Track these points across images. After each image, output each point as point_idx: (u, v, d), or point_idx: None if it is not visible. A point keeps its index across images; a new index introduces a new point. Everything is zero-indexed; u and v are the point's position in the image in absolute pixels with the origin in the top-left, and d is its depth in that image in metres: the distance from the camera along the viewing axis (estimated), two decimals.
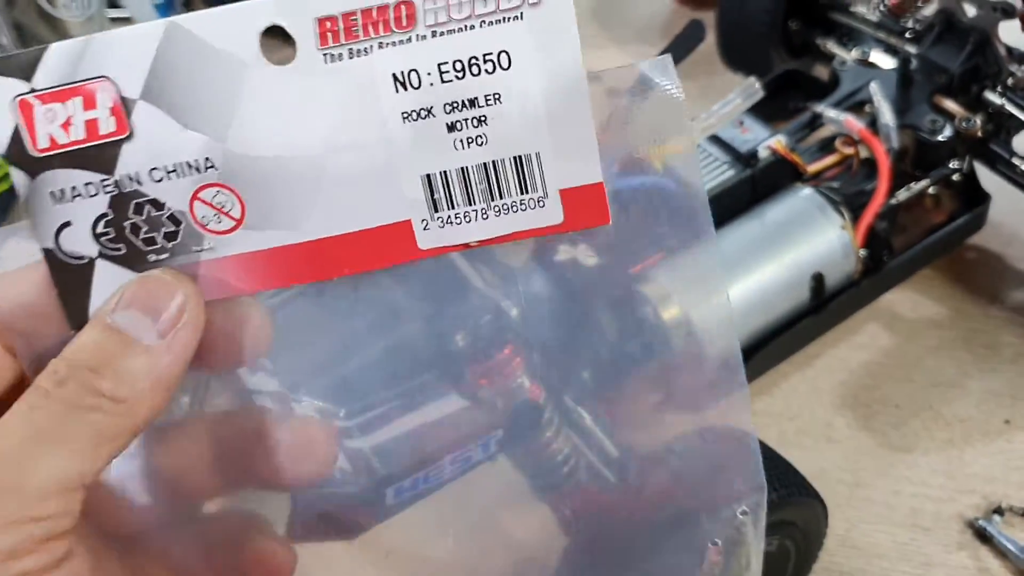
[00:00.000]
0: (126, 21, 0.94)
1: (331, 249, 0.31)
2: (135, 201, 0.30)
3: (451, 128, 0.30)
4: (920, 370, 0.65)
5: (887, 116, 0.62)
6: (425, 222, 0.30)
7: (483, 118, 0.29)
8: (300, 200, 0.30)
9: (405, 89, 0.29)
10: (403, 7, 0.28)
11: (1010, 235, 0.70)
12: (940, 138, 0.63)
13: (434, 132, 0.30)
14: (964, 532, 0.57)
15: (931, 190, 0.65)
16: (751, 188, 0.60)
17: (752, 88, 0.55)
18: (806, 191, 0.61)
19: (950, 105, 0.65)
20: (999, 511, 0.57)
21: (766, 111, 0.67)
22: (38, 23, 0.84)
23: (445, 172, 0.30)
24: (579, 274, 0.40)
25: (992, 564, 0.56)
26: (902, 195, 0.62)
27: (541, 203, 0.30)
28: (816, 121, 0.65)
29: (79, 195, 0.30)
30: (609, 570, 0.40)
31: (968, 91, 0.65)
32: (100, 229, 0.31)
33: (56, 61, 0.29)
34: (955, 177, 0.64)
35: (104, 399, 0.29)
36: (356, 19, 0.29)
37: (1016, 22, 0.62)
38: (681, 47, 0.60)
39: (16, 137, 0.30)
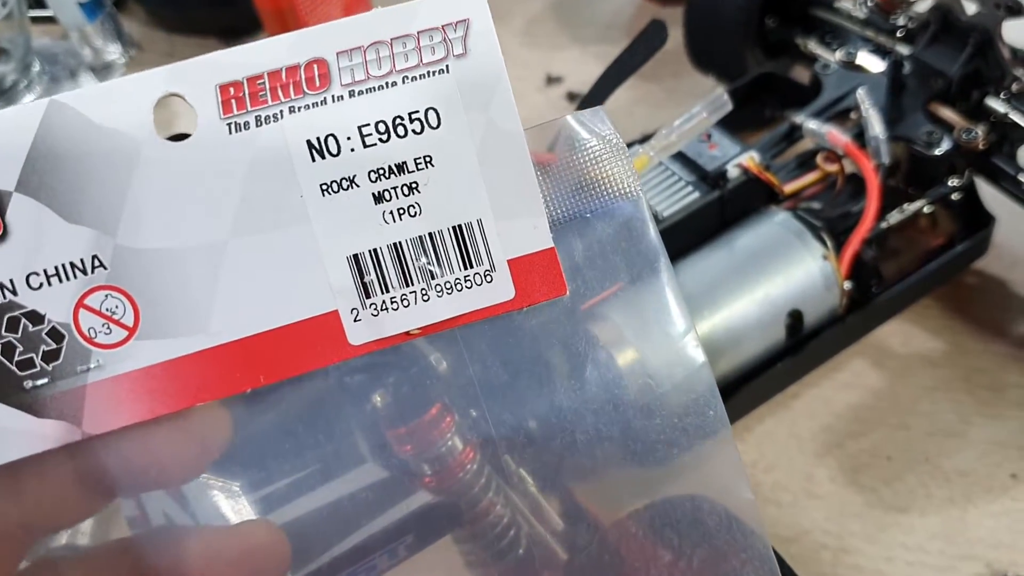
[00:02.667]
0: (49, 21, 0.88)
1: (244, 353, 0.27)
2: (8, 315, 0.26)
3: (378, 199, 0.27)
4: (915, 416, 0.57)
5: (877, 127, 0.55)
6: (355, 311, 0.27)
7: (414, 185, 0.27)
8: (203, 297, 0.26)
9: (323, 157, 0.26)
10: (315, 66, 0.26)
11: (1014, 258, 0.63)
12: (937, 152, 0.55)
13: (359, 205, 0.27)
14: None
15: (926, 209, 0.57)
16: (719, 211, 0.53)
17: (720, 100, 0.47)
18: (781, 215, 0.53)
19: (948, 114, 0.57)
20: None
21: (738, 120, 0.60)
22: None
23: (375, 250, 0.27)
24: (522, 315, 0.35)
25: None
26: (894, 217, 0.55)
27: (488, 277, 0.28)
28: (794, 133, 0.58)
29: None
30: None
31: (968, 98, 0.58)
32: None
33: None
34: (954, 196, 0.56)
35: None
36: (263, 83, 0.26)
37: (1022, 21, 0.55)
38: (640, 51, 0.53)
39: None
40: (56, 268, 0.26)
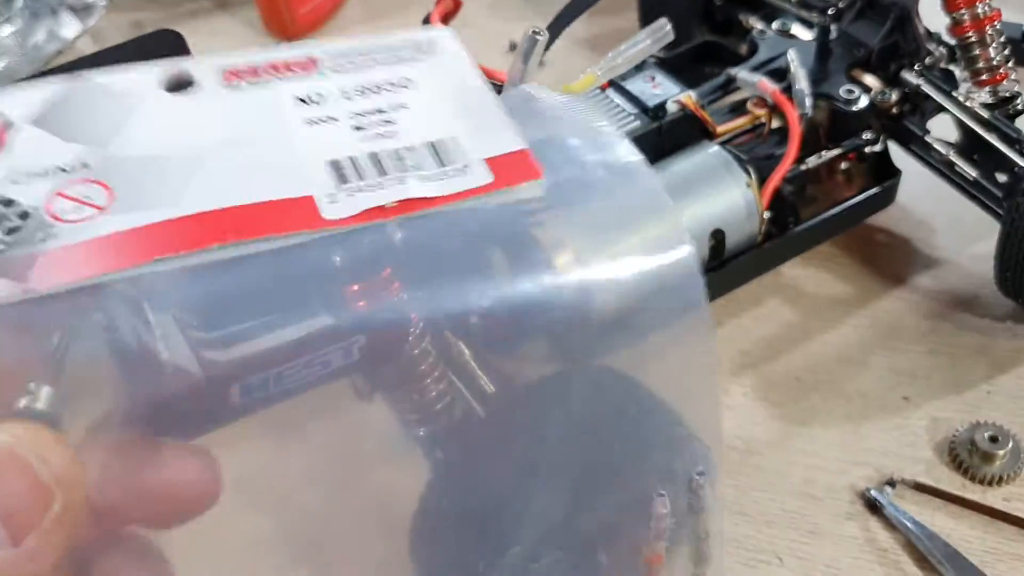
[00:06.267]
0: None
1: (212, 221, 0.30)
2: None
3: (357, 128, 0.32)
4: (823, 345, 0.63)
5: (803, 82, 0.61)
6: (332, 195, 0.31)
7: (390, 121, 0.33)
8: (179, 183, 0.31)
9: (307, 104, 0.33)
10: (306, 60, 0.34)
11: (919, 219, 0.70)
12: (855, 108, 0.62)
13: (340, 133, 0.32)
14: (855, 503, 0.56)
15: (843, 165, 0.64)
16: (658, 142, 0.58)
17: (662, 29, 0.53)
18: (714, 147, 0.59)
19: (867, 79, 0.64)
20: (891, 483, 0.56)
21: (682, 78, 0.66)
22: None
23: (352, 157, 0.32)
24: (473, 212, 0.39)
25: (880, 535, 0.54)
26: (812, 161, 0.61)
27: (464, 171, 0.32)
28: (730, 85, 0.64)
29: None
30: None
31: (887, 68, 0.64)
32: None
33: None
34: (868, 149, 0.63)
35: None
36: (259, 67, 0.33)
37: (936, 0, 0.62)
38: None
39: None
40: (43, 170, 0.30)
